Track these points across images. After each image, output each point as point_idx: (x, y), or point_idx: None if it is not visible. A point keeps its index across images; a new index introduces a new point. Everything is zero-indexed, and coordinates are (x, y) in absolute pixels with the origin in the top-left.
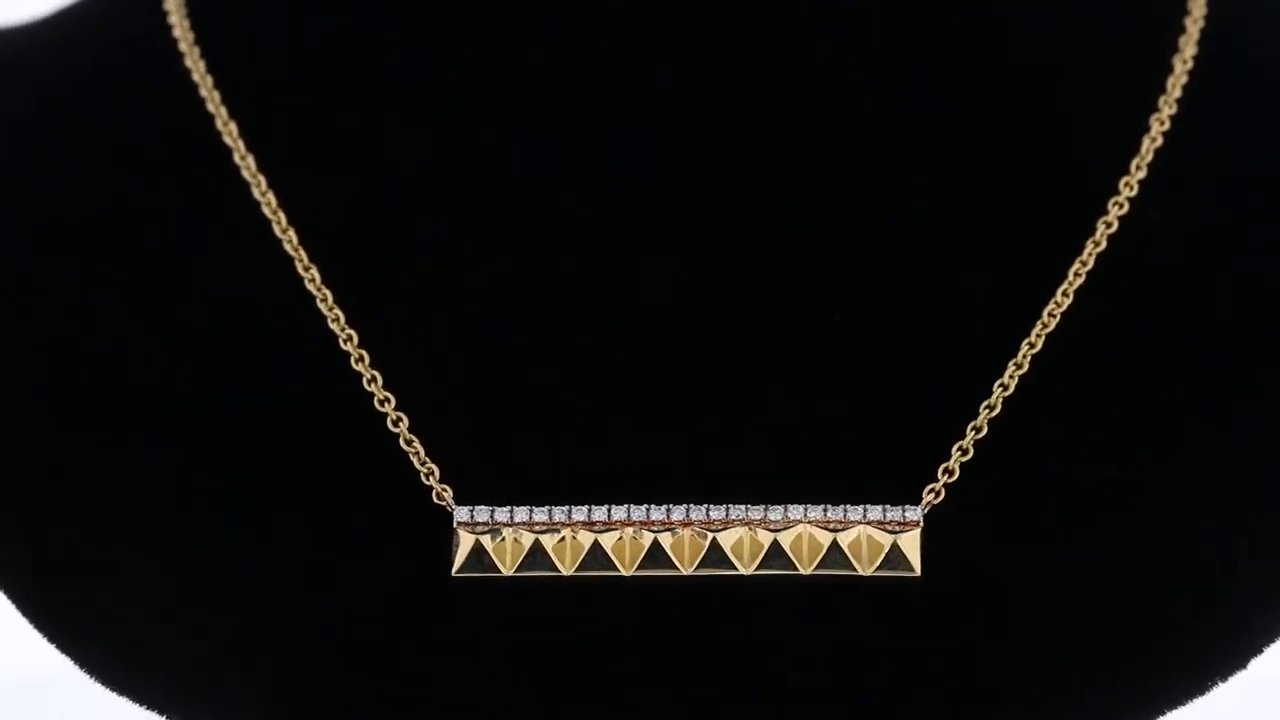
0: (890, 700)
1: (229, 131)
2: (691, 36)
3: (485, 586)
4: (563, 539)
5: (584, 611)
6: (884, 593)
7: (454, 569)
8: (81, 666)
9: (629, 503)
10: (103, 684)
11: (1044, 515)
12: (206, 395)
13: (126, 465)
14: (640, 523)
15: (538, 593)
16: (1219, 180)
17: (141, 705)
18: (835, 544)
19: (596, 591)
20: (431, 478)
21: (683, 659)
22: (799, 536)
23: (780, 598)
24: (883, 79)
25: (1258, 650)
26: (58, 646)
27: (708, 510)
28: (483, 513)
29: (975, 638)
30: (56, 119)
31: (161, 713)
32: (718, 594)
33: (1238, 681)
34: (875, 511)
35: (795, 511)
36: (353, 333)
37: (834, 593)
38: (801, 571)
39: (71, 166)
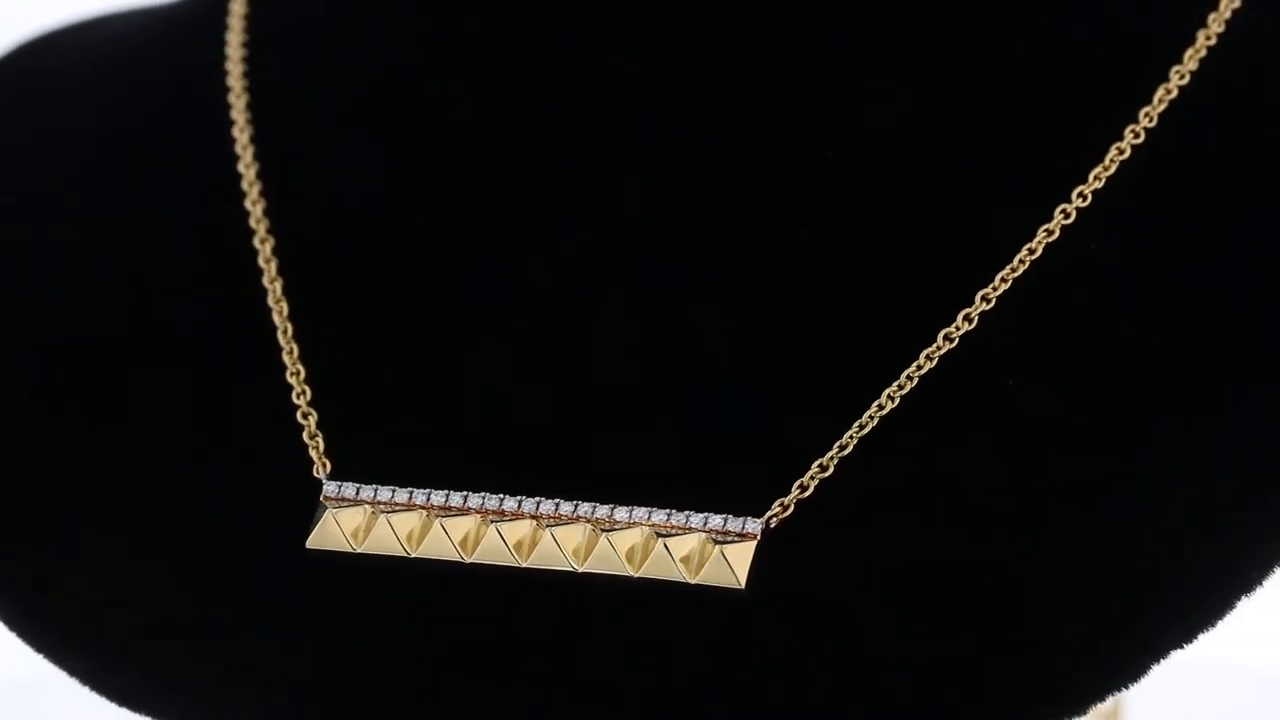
0: (687, 709)
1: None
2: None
3: (340, 561)
4: (414, 522)
5: (422, 593)
6: (711, 603)
7: (307, 541)
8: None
9: (484, 492)
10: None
11: (897, 541)
12: (151, 383)
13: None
14: (492, 512)
15: (386, 571)
16: (1178, 208)
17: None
18: (666, 549)
19: (438, 576)
20: (315, 451)
21: (494, 648)
22: (633, 539)
23: (607, 596)
24: (851, 54)
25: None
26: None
27: (557, 505)
28: (349, 489)
29: (790, 656)
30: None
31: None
32: (549, 588)
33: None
34: (716, 520)
35: (639, 514)
36: (285, 304)
37: (662, 598)
38: (630, 573)
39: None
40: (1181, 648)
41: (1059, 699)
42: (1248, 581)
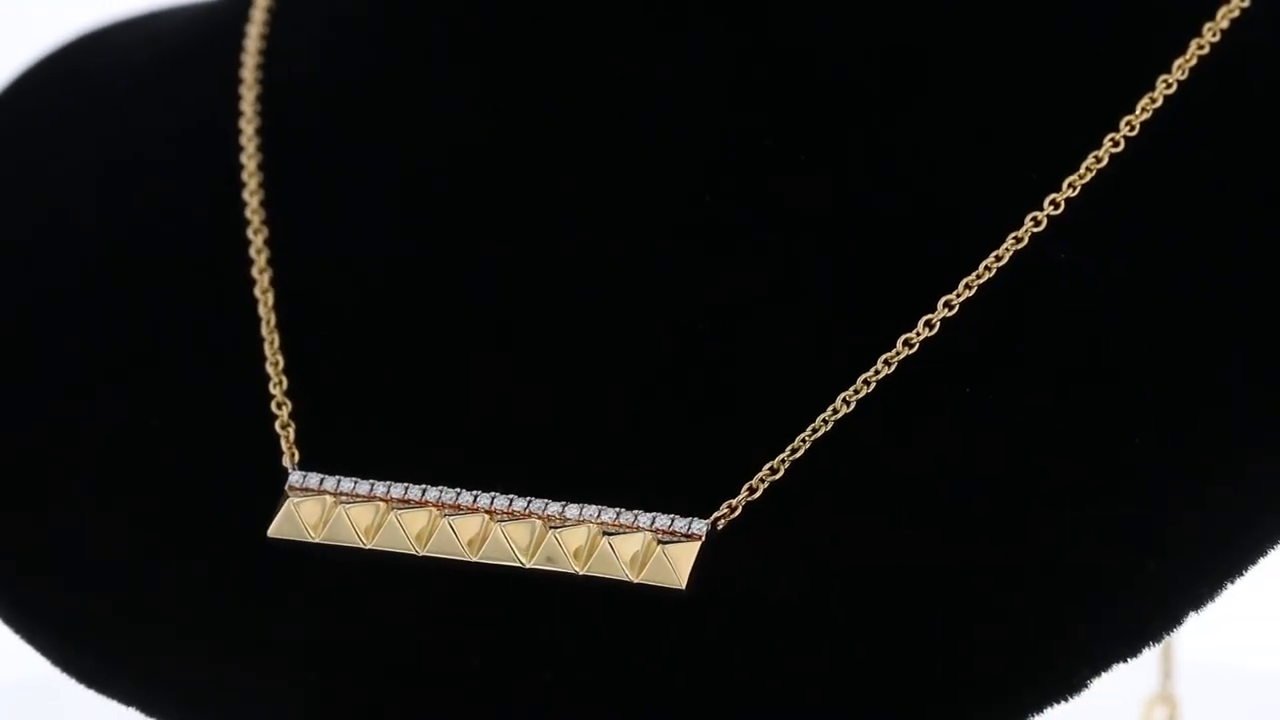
0: (632, 709)
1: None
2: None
3: (301, 551)
4: (371, 513)
5: (376, 584)
6: (655, 602)
7: (269, 530)
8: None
9: (442, 486)
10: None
11: (849, 545)
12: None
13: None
14: (448, 506)
15: (343, 561)
16: (1156, 216)
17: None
18: (610, 548)
19: (392, 567)
20: (286, 441)
21: (440, 640)
22: (581, 536)
23: (552, 593)
24: (835, 58)
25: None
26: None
27: (510, 501)
28: (313, 479)
29: (737, 657)
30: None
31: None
32: (498, 582)
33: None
34: (663, 520)
35: (589, 512)
36: (271, 294)
37: (606, 596)
38: (575, 571)
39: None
40: (1125, 661)
41: (998, 708)
42: (1196, 597)
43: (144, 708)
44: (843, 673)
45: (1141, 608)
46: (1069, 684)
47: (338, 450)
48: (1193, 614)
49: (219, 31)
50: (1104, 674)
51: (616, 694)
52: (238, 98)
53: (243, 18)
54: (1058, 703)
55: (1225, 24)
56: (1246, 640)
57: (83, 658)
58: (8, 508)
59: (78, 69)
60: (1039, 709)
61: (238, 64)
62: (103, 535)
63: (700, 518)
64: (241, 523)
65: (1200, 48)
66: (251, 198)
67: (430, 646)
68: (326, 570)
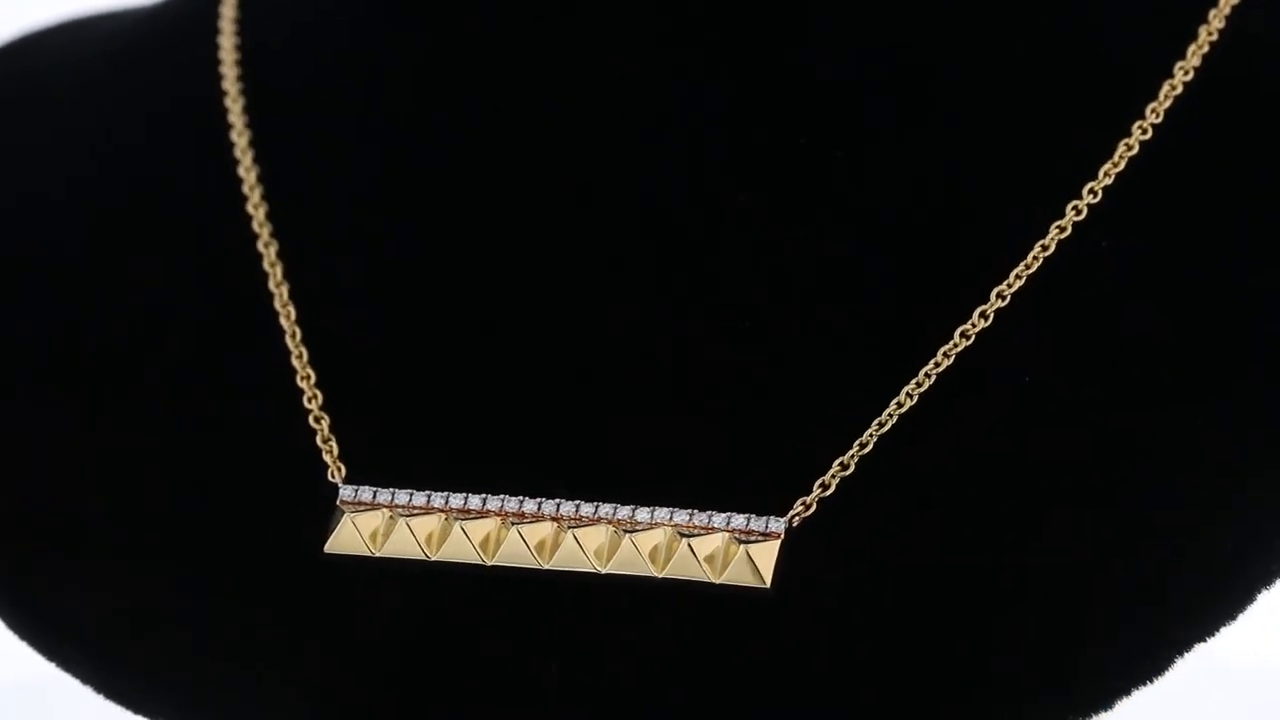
0: (710, 710)
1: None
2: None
3: (359, 565)
4: (433, 524)
5: (443, 596)
6: (736, 602)
7: (325, 546)
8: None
9: (503, 494)
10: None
11: (918, 541)
12: (163, 374)
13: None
14: (512, 514)
15: (406, 574)
16: (1186, 202)
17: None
18: (689, 549)
19: (458, 578)
20: (329, 455)
21: (519, 649)
22: (656, 539)
23: (632, 598)
24: (859, 54)
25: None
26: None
27: (577, 507)
28: (366, 493)
29: (814, 655)
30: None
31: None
32: (572, 589)
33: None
34: (739, 520)
35: (661, 514)
36: (292, 309)
37: (687, 598)
38: (654, 574)
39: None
40: (1204, 640)
41: (1084, 696)
42: (1267, 574)
43: (144, 708)
44: (927, 667)
45: (1215, 586)
46: (1152, 666)
47: (378, 462)
48: (1264, 590)
49: (182, 41)
50: (1186, 654)
51: (696, 694)
52: (224, 110)
53: (204, 27)
54: (1145, 684)
55: (1227, 9)
56: None
57: (83, 658)
58: (7, 507)
59: (29, 69)
60: (1127, 691)
61: (217, 76)
62: (103, 535)
63: (772, 515)
64: (242, 524)
65: (1210, 34)
66: (257, 210)
67: (443, 648)
68: (333, 572)
